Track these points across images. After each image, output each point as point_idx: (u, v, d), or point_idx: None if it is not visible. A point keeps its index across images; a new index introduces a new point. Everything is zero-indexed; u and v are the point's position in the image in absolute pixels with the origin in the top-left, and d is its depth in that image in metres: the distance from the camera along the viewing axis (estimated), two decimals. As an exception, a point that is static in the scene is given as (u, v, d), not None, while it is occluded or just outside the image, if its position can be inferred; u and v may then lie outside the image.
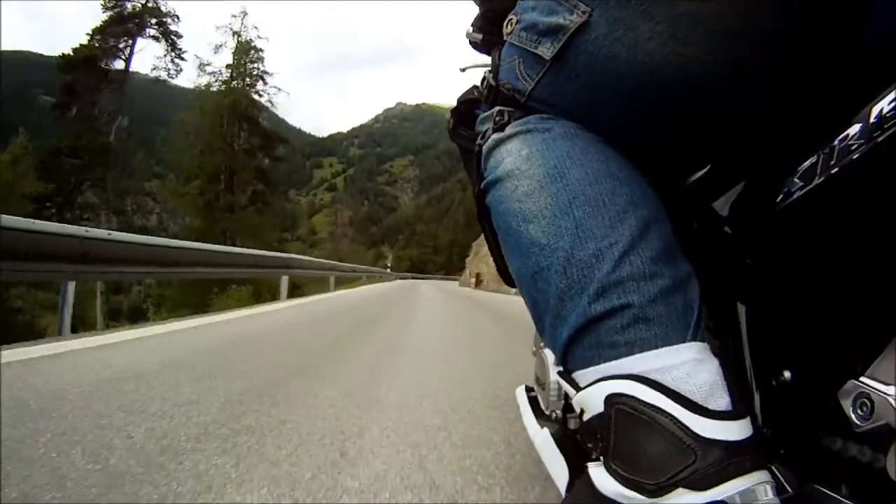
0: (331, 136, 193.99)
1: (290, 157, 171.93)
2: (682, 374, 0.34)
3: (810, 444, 0.37)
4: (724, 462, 0.31)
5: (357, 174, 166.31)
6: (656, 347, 0.35)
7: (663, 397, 0.33)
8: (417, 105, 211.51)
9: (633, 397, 0.34)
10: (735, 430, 0.32)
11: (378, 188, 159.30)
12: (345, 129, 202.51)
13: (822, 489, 0.34)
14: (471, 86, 0.57)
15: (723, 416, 0.32)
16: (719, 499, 0.30)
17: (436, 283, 26.69)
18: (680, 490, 0.31)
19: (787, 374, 0.39)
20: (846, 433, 0.33)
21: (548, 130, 0.44)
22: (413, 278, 36.98)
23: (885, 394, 0.30)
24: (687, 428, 0.32)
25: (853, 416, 0.32)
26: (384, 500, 0.78)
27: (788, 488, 0.36)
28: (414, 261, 52.97)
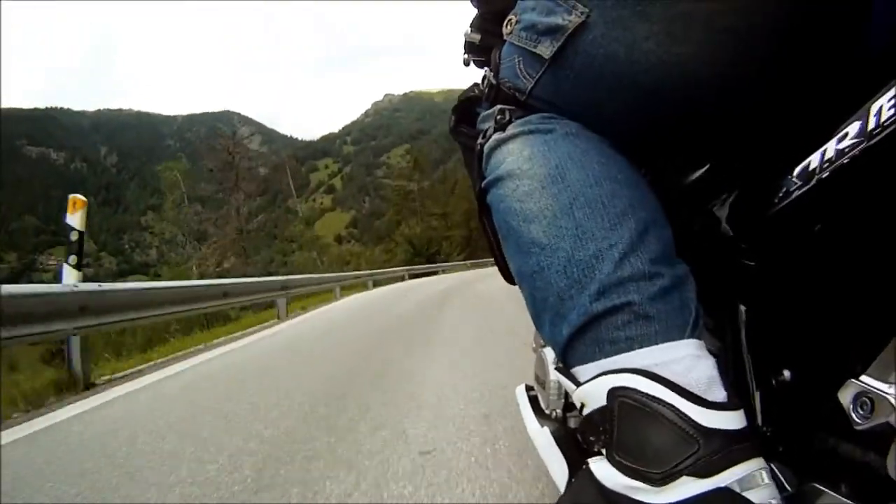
0: (323, 138, 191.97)
1: (284, 166, 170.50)
2: (681, 368, 0.34)
3: (810, 443, 0.37)
4: (725, 450, 0.32)
5: (354, 170, 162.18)
6: (657, 343, 0.36)
7: (665, 389, 0.34)
8: (405, 94, 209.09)
9: (635, 390, 0.34)
10: (733, 420, 0.33)
11: (377, 182, 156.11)
12: (336, 128, 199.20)
13: (821, 488, 0.34)
14: (471, 83, 0.57)
15: (721, 407, 0.33)
16: (721, 486, 0.31)
17: (473, 291, 7.50)
18: (684, 478, 0.32)
19: (786, 374, 0.39)
20: (846, 432, 0.33)
21: (549, 131, 0.45)
22: (423, 274, 19.82)
23: (884, 393, 0.30)
24: (689, 418, 0.33)
25: (853, 415, 0.32)
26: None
27: (788, 487, 0.36)
28: (417, 244, 30.98)
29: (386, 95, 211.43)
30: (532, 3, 0.46)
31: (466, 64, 0.69)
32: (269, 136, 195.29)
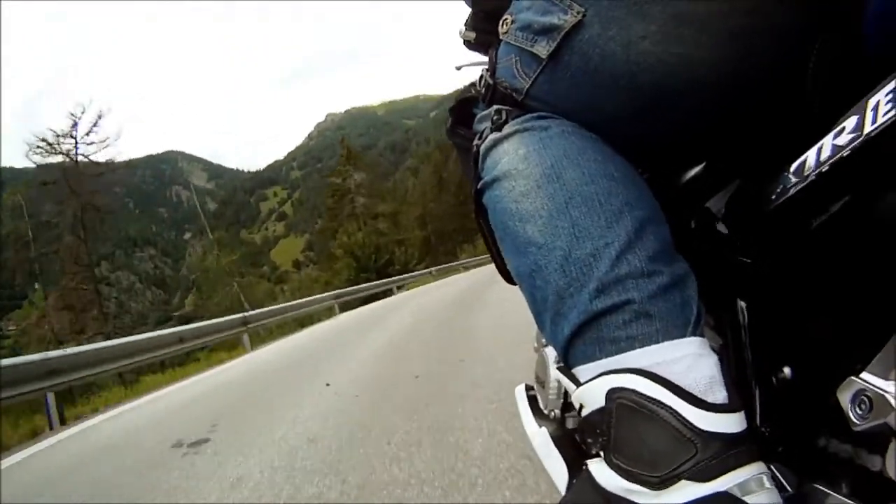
0: (269, 167, 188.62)
1: (233, 198, 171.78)
2: (682, 367, 0.34)
3: (809, 443, 0.37)
4: (723, 454, 0.32)
5: (304, 194, 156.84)
6: (657, 342, 0.35)
7: (664, 391, 0.33)
8: (347, 111, 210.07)
9: (634, 391, 0.34)
10: (733, 423, 0.33)
11: (329, 202, 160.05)
12: (281, 155, 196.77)
13: (821, 488, 0.34)
14: (468, 84, 0.58)
15: (721, 409, 0.33)
16: (720, 490, 0.31)
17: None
18: (682, 482, 0.32)
19: (786, 371, 0.39)
20: (845, 432, 0.32)
21: (545, 129, 0.45)
22: (368, 298, 12.39)
23: (883, 391, 0.29)
24: (687, 421, 0.32)
25: (851, 414, 0.31)
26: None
27: (787, 487, 0.36)
28: (362, 256, 21.73)
29: (328, 115, 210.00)
30: (528, 2, 0.46)
31: (459, 68, 0.70)
32: (216, 172, 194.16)
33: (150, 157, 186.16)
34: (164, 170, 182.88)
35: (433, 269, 20.04)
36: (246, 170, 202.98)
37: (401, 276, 17.25)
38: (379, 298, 12.29)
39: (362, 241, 23.15)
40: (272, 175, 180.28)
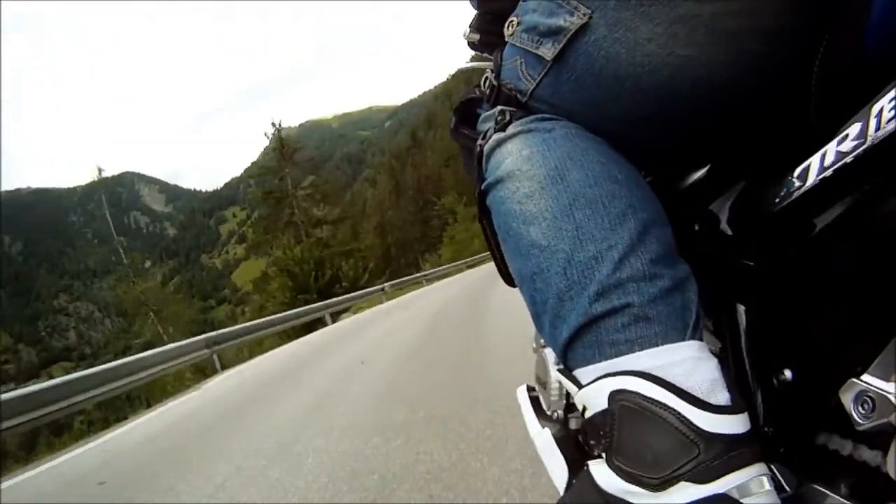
0: (227, 185, 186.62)
1: (192, 221, 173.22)
2: (683, 370, 0.34)
3: (810, 444, 0.38)
4: (725, 455, 0.32)
5: (263, 213, 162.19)
6: (657, 345, 0.35)
7: (666, 392, 0.33)
8: (301, 124, 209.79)
9: (636, 393, 0.34)
10: (735, 424, 0.33)
11: (262, 211, 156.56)
12: (238, 172, 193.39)
13: (821, 489, 0.34)
14: (472, 85, 0.58)
15: (723, 411, 0.33)
16: (720, 492, 0.31)
17: None
18: (683, 483, 0.32)
19: (787, 373, 0.40)
20: (847, 432, 0.33)
21: (549, 131, 0.45)
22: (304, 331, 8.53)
23: (886, 392, 0.30)
24: (690, 422, 0.33)
25: (854, 414, 0.31)
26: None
27: (787, 488, 0.37)
28: (300, 273, 16.06)
29: (283, 130, 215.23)
30: (534, 4, 0.46)
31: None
32: (174, 193, 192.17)
33: (105, 180, 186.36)
34: (121, 193, 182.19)
35: (387, 285, 15.72)
36: (203, 189, 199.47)
37: (343, 298, 12.73)
38: (311, 330, 9.05)
39: (300, 256, 17.79)
40: (231, 194, 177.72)
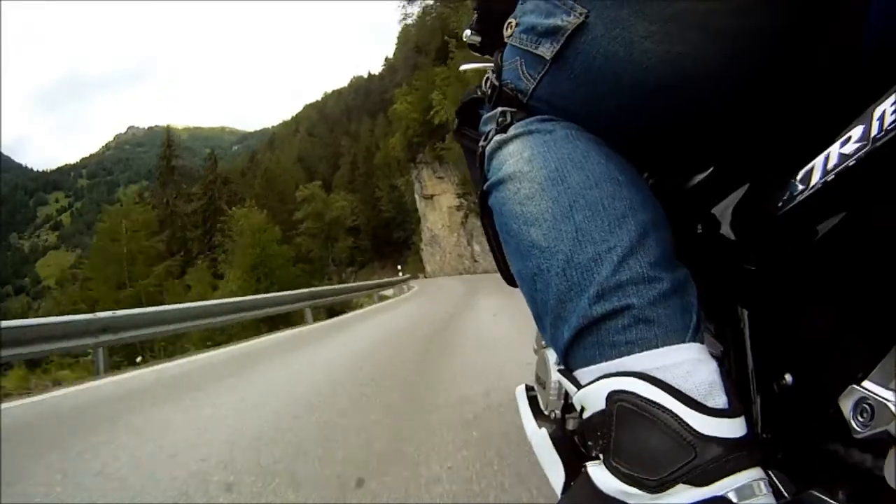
0: (58, 169, 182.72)
1: (12, 196, 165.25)
2: (682, 372, 0.35)
3: (809, 450, 0.38)
4: (722, 458, 0.32)
5: (86, 206, 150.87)
6: (657, 347, 0.36)
7: (664, 394, 0.34)
8: (150, 128, 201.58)
9: (634, 394, 0.34)
10: (732, 428, 0.33)
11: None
12: (73, 159, 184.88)
13: (819, 495, 0.34)
14: (473, 86, 0.59)
15: (721, 414, 0.33)
16: (717, 494, 0.31)
17: None
18: (680, 486, 0.32)
19: (788, 378, 0.40)
20: (845, 439, 0.33)
21: (549, 132, 0.45)
22: None
23: (885, 399, 0.30)
24: (687, 425, 0.33)
25: (853, 422, 0.32)
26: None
27: (786, 494, 0.37)
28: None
29: (130, 128, 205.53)
30: (531, 5, 0.47)
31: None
32: (4, 164, 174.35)
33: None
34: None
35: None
36: (33, 167, 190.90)
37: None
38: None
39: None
40: (58, 179, 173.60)
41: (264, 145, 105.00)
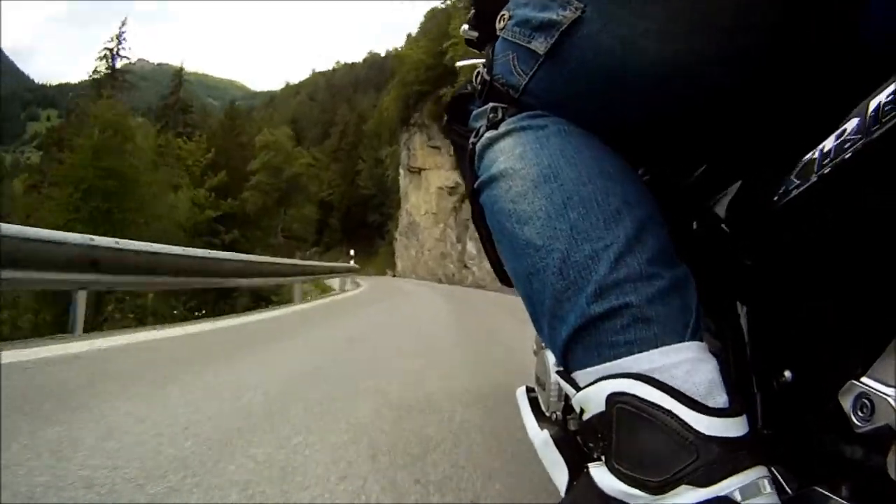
0: (59, 86, 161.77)
1: (5, 106, 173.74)
2: (681, 372, 0.34)
3: (810, 446, 0.37)
4: (724, 458, 0.32)
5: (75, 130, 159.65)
6: (656, 347, 0.35)
7: (664, 395, 0.33)
8: (159, 64, 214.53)
9: (634, 396, 0.34)
10: (733, 427, 0.33)
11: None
12: (75, 79, 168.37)
13: (822, 491, 0.34)
14: (464, 81, 0.58)
15: (721, 414, 0.33)
16: (721, 494, 0.31)
17: None
18: (683, 487, 0.32)
19: (787, 375, 0.39)
20: (846, 434, 0.33)
21: (541, 128, 0.44)
22: None
23: (885, 394, 0.29)
24: (688, 425, 0.32)
25: (853, 417, 0.31)
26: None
27: (788, 490, 0.36)
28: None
29: (139, 60, 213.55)
30: None
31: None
32: (4, 66, 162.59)
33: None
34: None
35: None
36: (38, 80, 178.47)
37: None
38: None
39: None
40: (56, 95, 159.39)
41: (263, 104, 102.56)
